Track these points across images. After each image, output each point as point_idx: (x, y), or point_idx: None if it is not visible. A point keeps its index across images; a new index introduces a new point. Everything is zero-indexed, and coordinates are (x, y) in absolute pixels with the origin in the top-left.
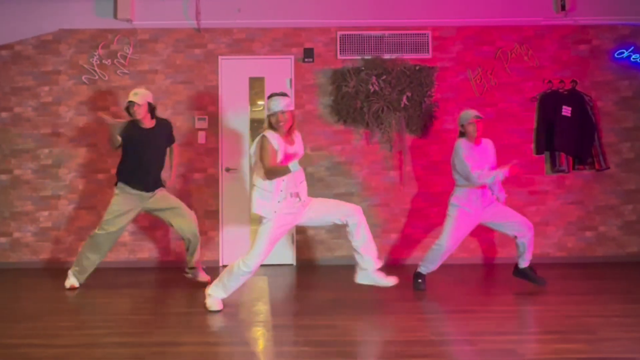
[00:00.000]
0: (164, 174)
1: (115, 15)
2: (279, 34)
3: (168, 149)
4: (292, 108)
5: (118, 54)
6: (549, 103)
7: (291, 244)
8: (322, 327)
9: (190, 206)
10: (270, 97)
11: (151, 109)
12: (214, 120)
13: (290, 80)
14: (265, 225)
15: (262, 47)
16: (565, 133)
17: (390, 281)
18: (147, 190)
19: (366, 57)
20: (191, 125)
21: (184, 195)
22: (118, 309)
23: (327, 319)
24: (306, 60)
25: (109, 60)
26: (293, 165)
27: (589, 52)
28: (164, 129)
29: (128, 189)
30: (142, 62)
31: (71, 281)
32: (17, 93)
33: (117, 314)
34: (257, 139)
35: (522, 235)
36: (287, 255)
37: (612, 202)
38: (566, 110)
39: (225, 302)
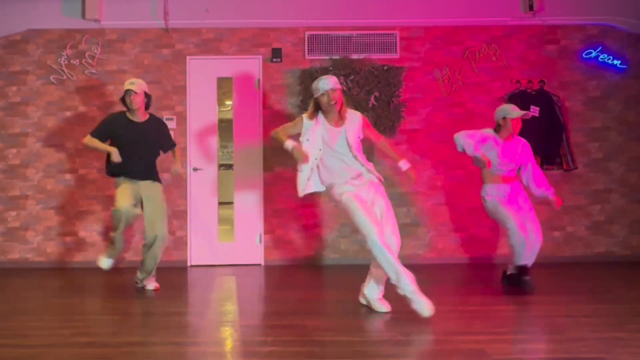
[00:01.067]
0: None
1: (83, 16)
2: (247, 34)
3: (172, 153)
4: (337, 84)
5: (86, 54)
6: (517, 103)
7: (259, 244)
8: (290, 327)
9: None
10: (317, 79)
11: (147, 98)
12: (182, 120)
13: (259, 81)
14: (346, 201)
15: (230, 47)
16: (533, 133)
17: (386, 307)
18: (138, 178)
19: (334, 57)
20: None
21: None
22: (86, 309)
23: (295, 318)
24: (274, 60)
25: (77, 60)
26: (288, 144)
27: (557, 52)
28: (156, 126)
29: (122, 179)
30: (110, 62)
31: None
32: None
33: (85, 314)
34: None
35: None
36: (255, 255)
37: (580, 202)
38: (534, 111)
39: (193, 303)
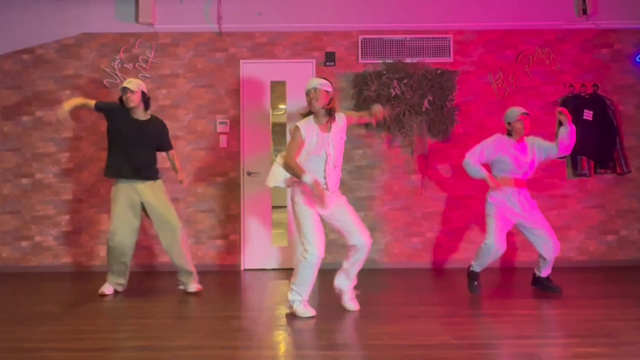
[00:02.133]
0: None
1: (136, 19)
2: (300, 37)
3: (166, 154)
4: (326, 88)
5: (139, 58)
6: (570, 107)
7: None
8: (344, 331)
9: (212, 210)
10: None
11: (145, 99)
12: (235, 124)
13: None
14: (300, 209)
15: (284, 51)
16: (586, 137)
17: (353, 306)
18: (137, 178)
19: (388, 61)
20: (212, 129)
21: (206, 199)
22: (139, 312)
23: (349, 322)
24: (327, 64)
25: (131, 64)
26: (306, 178)
27: (611, 56)
28: (157, 127)
29: (121, 182)
30: (164, 65)
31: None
32: (38, 97)
33: (138, 317)
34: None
35: (545, 254)
36: None
37: (633, 206)
38: (587, 114)
39: (247, 306)
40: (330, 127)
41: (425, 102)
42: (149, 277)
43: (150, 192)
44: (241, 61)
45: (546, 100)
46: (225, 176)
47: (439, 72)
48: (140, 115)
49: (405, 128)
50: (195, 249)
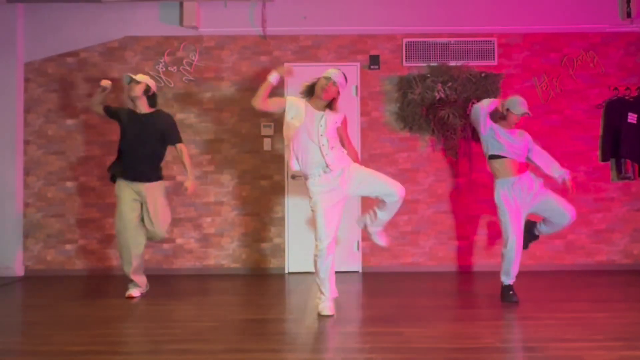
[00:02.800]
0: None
1: (180, 23)
2: (344, 41)
3: (176, 150)
4: (341, 88)
5: (184, 61)
6: (614, 110)
7: (356, 251)
8: (388, 334)
9: (257, 213)
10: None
11: (147, 91)
12: (280, 127)
13: (356, 87)
14: (314, 204)
15: (328, 54)
16: (631, 140)
17: (384, 242)
18: (138, 180)
19: (432, 64)
20: (257, 132)
21: (250, 202)
22: (182, 315)
23: (392, 325)
24: (372, 67)
25: (175, 67)
26: (272, 76)
27: None
28: (159, 120)
29: (121, 184)
30: (208, 69)
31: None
32: (82, 100)
33: (180, 320)
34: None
35: (557, 220)
36: (352, 262)
37: None
38: (632, 117)
39: (290, 309)
40: (325, 111)
41: (470, 105)
42: (192, 280)
43: (150, 192)
44: (285, 64)
45: (590, 103)
46: (269, 179)
47: (483, 75)
48: (142, 108)
49: (450, 131)
50: (240, 252)
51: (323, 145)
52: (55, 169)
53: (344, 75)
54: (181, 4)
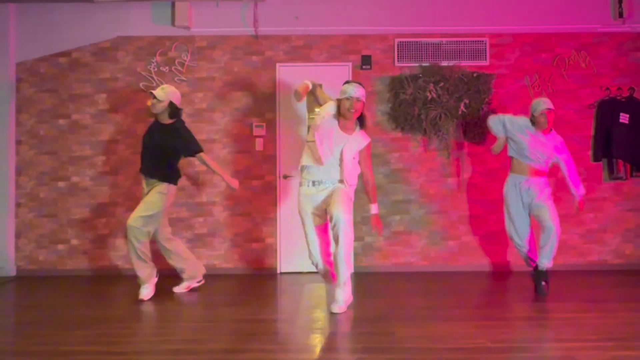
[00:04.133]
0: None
1: (172, 23)
2: (336, 41)
3: (198, 160)
4: (364, 99)
5: (176, 61)
6: (606, 110)
7: None
8: (379, 334)
9: (249, 214)
10: (346, 82)
11: (172, 111)
12: (271, 127)
13: None
14: (299, 204)
15: (320, 54)
16: (622, 140)
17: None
18: (145, 173)
19: (424, 64)
20: (249, 132)
21: (242, 202)
22: (174, 316)
23: (384, 326)
24: (364, 67)
25: (167, 68)
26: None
27: None
28: (168, 133)
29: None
30: (200, 69)
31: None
32: (75, 100)
33: (173, 321)
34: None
35: (542, 237)
36: None
37: None
38: (624, 117)
39: (283, 310)
40: (351, 134)
41: (462, 105)
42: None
43: (152, 187)
44: (277, 64)
45: (582, 103)
46: (261, 179)
47: (475, 75)
48: (163, 119)
49: (442, 131)
50: (232, 252)
51: (332, 163)
52: (47, 169)
53: (361, 84)
54: (173, 4)
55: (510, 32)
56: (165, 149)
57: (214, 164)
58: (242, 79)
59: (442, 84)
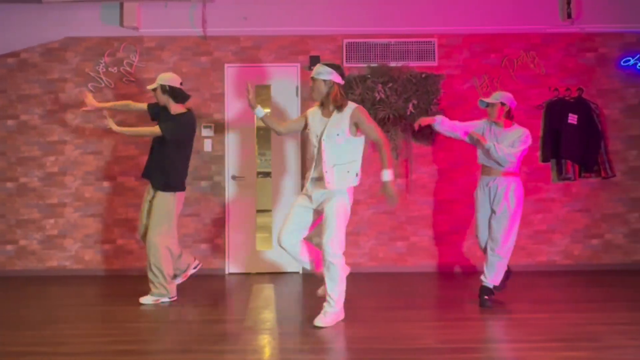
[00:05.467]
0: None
1: (121, 23)
2: (285, 41)
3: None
4: (324, 77)
5: (124, 62)
6: (555, 111)
7: None
8: (328, 335)
9: (197, 214)
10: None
11: (170, 92)
12: (220, 128)
13: (297, 88)
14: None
15: (269, 55)
16: (571, 141)
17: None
18: (146, 177)
19: (372, 65)
20: (197, 133)
21: (190, 203)
22: (123, 316)
23: (332, 326)
24: (312, 68)
25: (115, 68)
26: (258, 110)
27: (595, 60)
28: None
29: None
30: (149, 69)
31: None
32: (23, 100)
33: (122, 321)
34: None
35: (490, 252)
36: (293, 263)
37: (618, 210)
38: (572, 118)
39: (231, 310)
40: (332, 115)
41: (410, 106)
42: (134, 280)
43: (156, 196)
44: (226, 65)
45: (530, 104)
46: (209, 180)
47: (423, 75)
48: (174, 109)
49: (390, 132)
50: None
51: (323, 158)
52: None
53: (325, 64)
54: (121, 5)
55: (458, 33)
56: (165, 147)
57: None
58: (191, 79)
59: (390, 84)
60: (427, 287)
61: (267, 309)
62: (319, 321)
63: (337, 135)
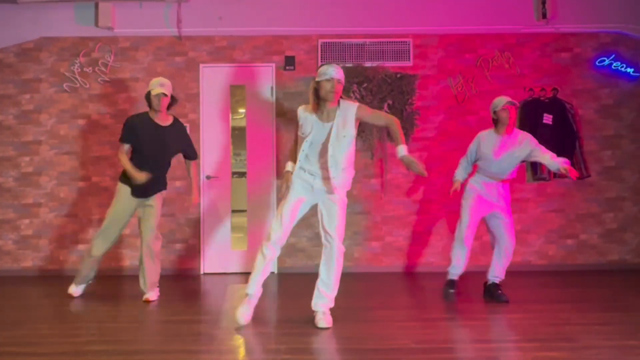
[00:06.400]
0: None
1: (96, 23)
2: (260, 41)
3: (186, 164)
4: (343, 78)
5: (99, 62)
6: (530, 111)
7: None
8: (303, 335)
9: (172, 214)
10: (325, 64)
11: (172, 100)
12: (195, 128)
13: (272, 88)
14: (289, 185)
15: (244, 55)
16: (546, 141)
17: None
18: (144, 196)
19: (347, 65)
20: None
21: (166, 203)
22: (99, 317)
23: (308, 326)
24: (287, 68)
25: (90, 68)
26: (288, 166)
27: (570, 60)
28: (180, 133)
29: (124, 191)
30: (124, 70)
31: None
32: None
33: (98, 322)
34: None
35: (497, 250)
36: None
37: (593, 210)
38: (547, 118)
39: (206, 310)
40: (334, 120)
41: (385, 106)
42: (110, 281)
43: (151, 202)
44: (201, 65)
45: None
46: (184, 180)
47: (398, 76)
48: (162, 120)
49: (365, 132)
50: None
51: (329, 162)
52: None
53: (339, 66)
54: (96, 5)
55: (433, 33)
56: (172, 152)
57: (198, 177)
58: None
59: (365, 84)
60: (402, 287)
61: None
62: (322, 322)
63: (344, 137)
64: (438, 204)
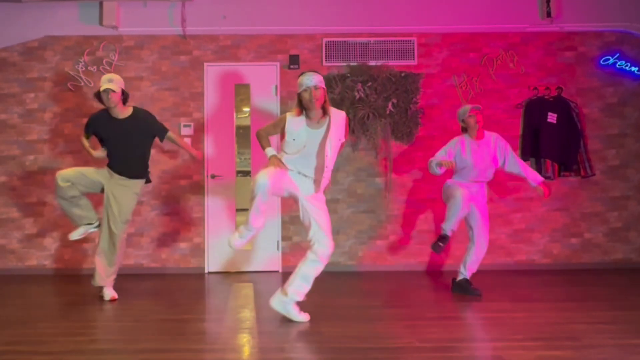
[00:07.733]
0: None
1: (100, 22)
2: (264, 40)
3: (168, 140)
4: (321, 82)
5: (103, 61)
6: (534, 110)
7: (277, 251)
8: (308, 334)
9: (176, 213)
10: (302, 74)
11: (125, 97)
12: (199, 127)
13: (276, 87)
14: (269, 163)
15: (248, 54)
16: (550, 140)
17: (303, 318)
18: (118, 173)
19: (352, 64)
20: (177, 132)
21: (169, 202)
22: (103, 316)
23: (313, 325)
24: (292, 67)
25: (95, 67)
26: (268, 151)
27: (575, 59)
28: (141, 121)
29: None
30: (128, 68)
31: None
32: (2, 100)
33: (101, 320)
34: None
35: (476, 249)
36: (273, 262)
37: (597, 209)
38: (552, 117)
39: (211, 309)
40: (327, 124)
41: (390, 105)
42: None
43: (122, 187)
44: (205, 64)
45: (510, 103)
46: (189, 179)
47: (403, 74)
48: (119, 112)
49: (370, 131)
50: (160, 251)
51: (316, 166)
52: None
53: (315, 72)
54: (101, 4)
55: (438, 32)
56: (140, 141)
57: (182, 140)
58: (170, 78)
59: (370, 83)
60: (406, 286)
61: (246, 308)
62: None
63: (339, 140)
64: (442, 203)
